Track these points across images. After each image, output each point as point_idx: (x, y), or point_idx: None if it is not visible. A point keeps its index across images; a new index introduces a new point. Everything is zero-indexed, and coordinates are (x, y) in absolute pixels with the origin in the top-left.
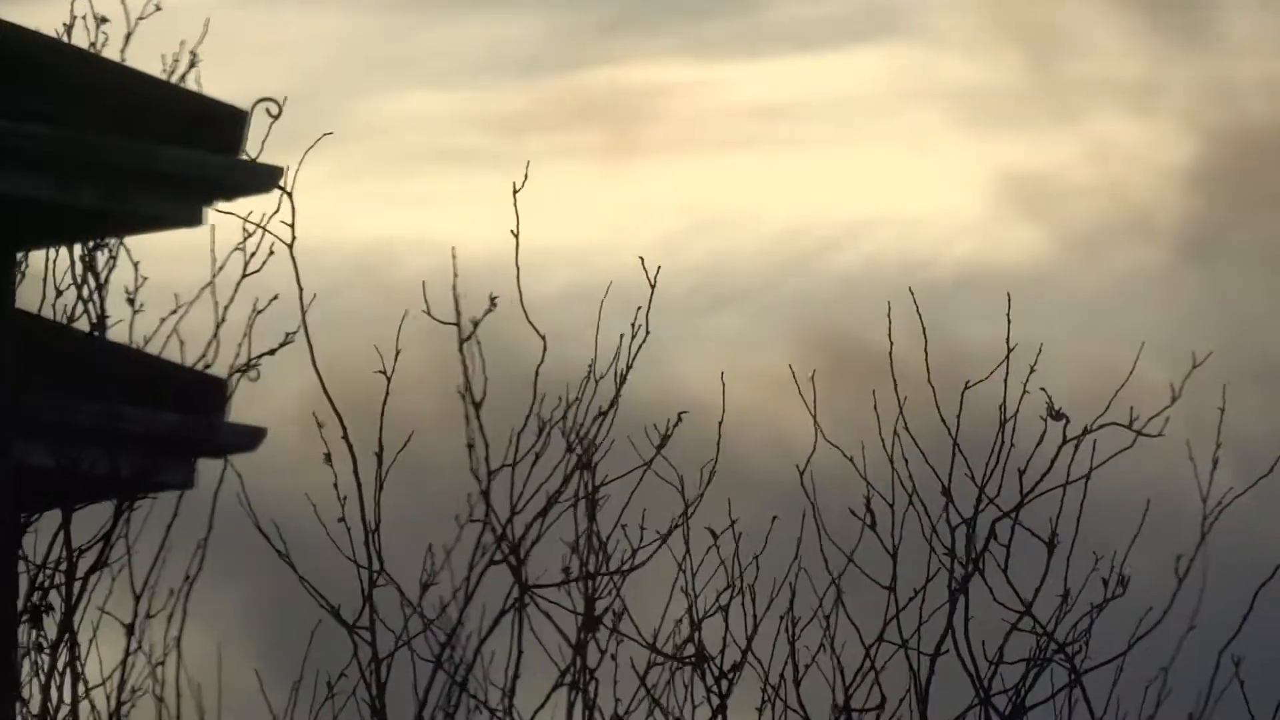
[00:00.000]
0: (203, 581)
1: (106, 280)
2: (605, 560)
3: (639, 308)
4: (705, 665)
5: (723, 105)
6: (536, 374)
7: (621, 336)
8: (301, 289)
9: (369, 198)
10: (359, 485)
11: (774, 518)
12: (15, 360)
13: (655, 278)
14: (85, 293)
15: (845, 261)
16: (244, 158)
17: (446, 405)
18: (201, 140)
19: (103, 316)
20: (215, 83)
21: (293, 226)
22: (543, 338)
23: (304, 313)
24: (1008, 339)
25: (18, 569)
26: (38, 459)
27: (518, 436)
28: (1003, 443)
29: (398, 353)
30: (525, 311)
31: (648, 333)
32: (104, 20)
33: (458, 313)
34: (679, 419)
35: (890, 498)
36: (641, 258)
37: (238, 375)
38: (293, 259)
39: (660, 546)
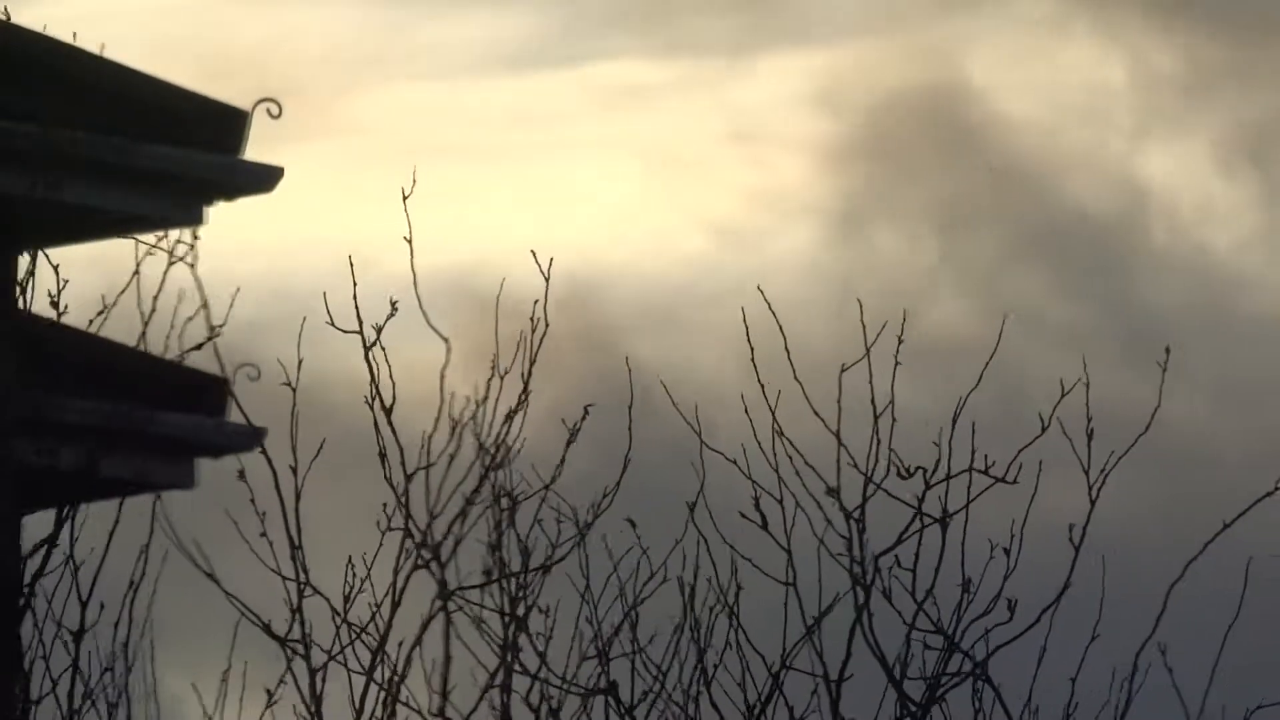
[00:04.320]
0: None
1: (29, 287)
2: (526, 558)
3: (536, 301)
4: (615, 695)
5: None
6: (442, 377)
7: (521, 333)
8: (206, 304)
9: (362, 194)
10: (281, 499)
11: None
12: (14, 359)
13: (549, 271)
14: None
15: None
16: (244, 158)
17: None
18: (201, 140)
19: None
20: (207, 79)
21: (193, 245)
22: (445, 340)
23: (211, 327)
24: (864, 335)
25: (19, 568)
26: (35, 458)
27: (429, 438)
28: (878, 441)
29: (300, 362)
30: (425, 316)
31: (547, 325)
32: None
33: (359, 320)
34: (586, 413)
35: (779, 495)
36: (533, 251)
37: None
38: (196, 280)
39: (579, 541)
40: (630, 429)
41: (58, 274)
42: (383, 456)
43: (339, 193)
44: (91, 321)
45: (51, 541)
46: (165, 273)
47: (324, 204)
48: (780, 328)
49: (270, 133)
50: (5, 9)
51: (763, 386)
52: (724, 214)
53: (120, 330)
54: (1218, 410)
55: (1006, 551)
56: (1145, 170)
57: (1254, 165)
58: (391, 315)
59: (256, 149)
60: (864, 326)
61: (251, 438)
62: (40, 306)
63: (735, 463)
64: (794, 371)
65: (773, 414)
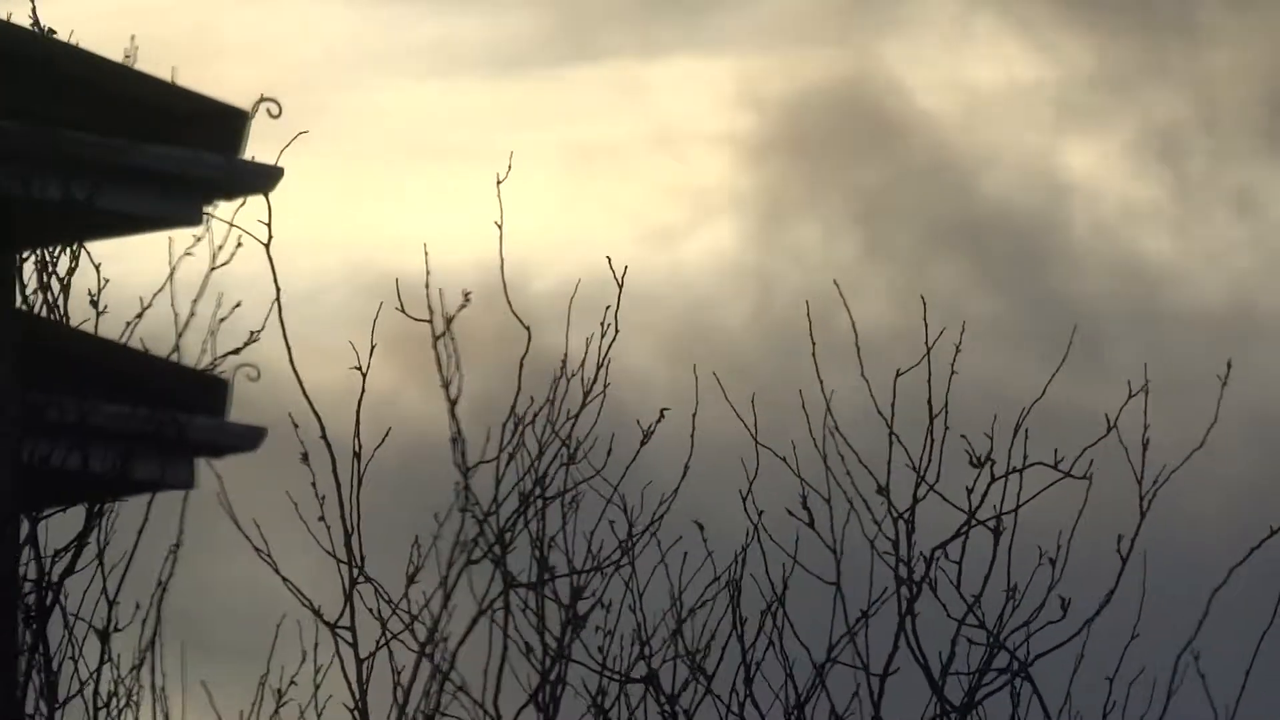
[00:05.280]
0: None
1: (67, 284)
2: (590, 556)
3: (608, 306)
4: (656, 685)
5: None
6: (521, 365)
7: (590, 337)
8: (279, 288)
9: (363, 193)
10: (338, 485)
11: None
12: (14, 359)
13: (622, 277)
14: (50, 297)
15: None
16: (244, 157)
17: (431, 402)
18: (201, 140)
19: (65, 320)
20: (206, 79)
21: (269, 225)
22: (527, 329)
23: (280, 312)
24: (926, 335)
25: (18, 568)
26: (32, 458)
27: (501, 429)
28: (932, 441)
29: (373, 348)
30: (509, 302)
31: (617, 331)
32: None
33: (430, 310)
34: (661, 415)
35: (827, 494)
36: (609, 257)
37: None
38: (269, 258)
39: (648, 539)
40: (693, 436)
41: (99, 273)
42: (453, 442)
43: (339, 192)
44: (129, 323)
45: (80, 540)
46: (207, 277)
47: (324, 204)
48: (853, 323)
49: (270, 133)
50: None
51: (821, 382)
52: (645, 211)
53: (157, 332)
54: (1140, 403)
55: (1052, 562)
56: (1064, 165)
57: (1170, 161)
58: (464, 306)
59: (257, 149)
60: (926, 326)
61: (252, 437)
62: (79, 305)
63: (785, 460)
64: (861, 369)
65: (828, 410)
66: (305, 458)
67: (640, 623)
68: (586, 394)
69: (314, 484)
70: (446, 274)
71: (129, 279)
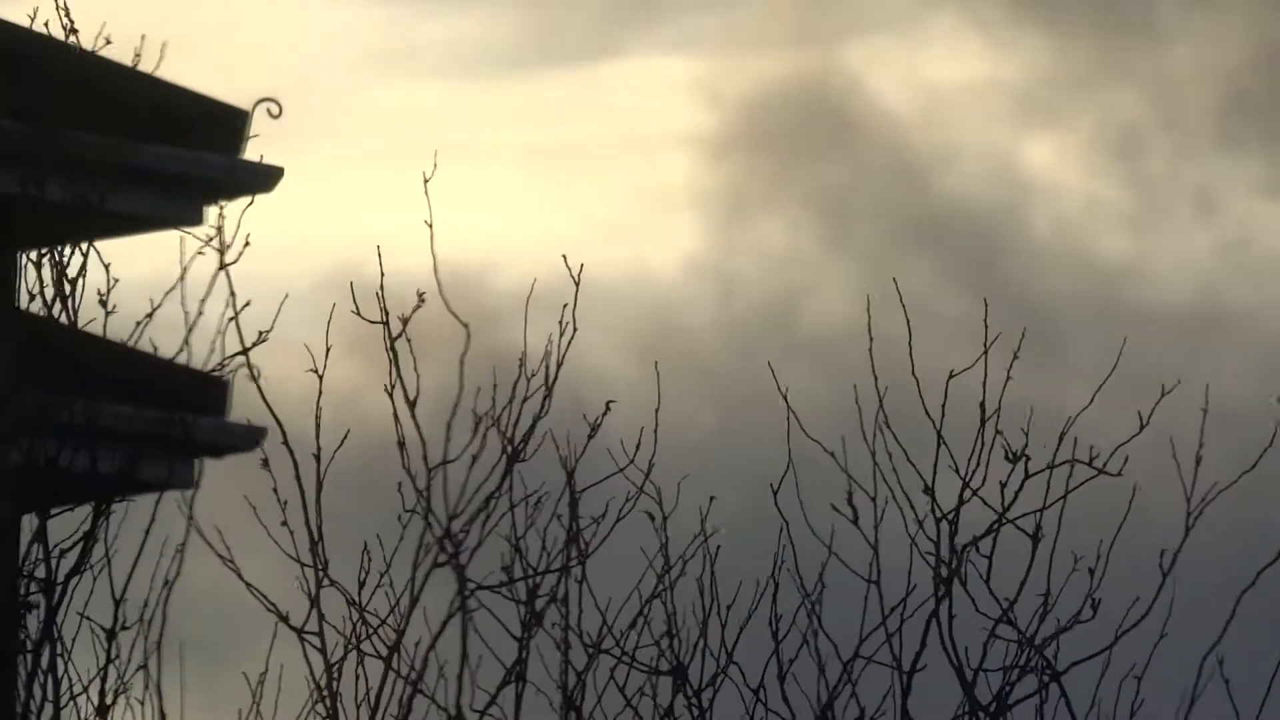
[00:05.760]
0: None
1: (76, 283)
2: (549, 556)
3: (565, 304)
4: (684, 677)
5: None
6: (461, 364)
7: (550, 336)
8: (234, 294)
9: (361, 192)
10: (301, 489)
11: (712, 498)
12: (14, 359)
13: (579, 275)
14: (62, 296)
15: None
16: (244, 157)
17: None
18: (202, 140)
19: (74, 319)
20: (205, 78)
21: (220, 232)
22: (465, 326)
23: (237, 319)
24: (985, 335)
25: (17, 566)
26: (33, 458)
27: (446, 427)
28: (983, 444)
29: (328, 349)
30: (446, 302)
31: (575, 329)
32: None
33: (384, 311)
34: (607, 408)
35: (873, 491)
36: (564, 256)
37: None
38: (227, 276)
39: (599, 545)
40: (656, 432)
41: (109, 273)
42: (401, 445)
43: (339, 193)
44: (139, 324)
45: (87, 539)
46: (214, 277)
47: (324, 204)
48: (908, 320)
49: (270, 132)
50: None
51: (875, 378)
52: (610, 209)
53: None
54: (1106, 401)
55: (1091, 571)
56: (1024, 163)
57: (1129, 159)
58: (418, 307)
59: (259, 149)
60: (986, 328)
61: (251, 438)
62: (89, 304)
63: (833, 455)
64: (913, 367)
65: (880, 407)
66: (265, 463)
67: (670, 615)
68: (549, 387)
69: (275, 489)
70: (425, 274)
71: (135, 277)
